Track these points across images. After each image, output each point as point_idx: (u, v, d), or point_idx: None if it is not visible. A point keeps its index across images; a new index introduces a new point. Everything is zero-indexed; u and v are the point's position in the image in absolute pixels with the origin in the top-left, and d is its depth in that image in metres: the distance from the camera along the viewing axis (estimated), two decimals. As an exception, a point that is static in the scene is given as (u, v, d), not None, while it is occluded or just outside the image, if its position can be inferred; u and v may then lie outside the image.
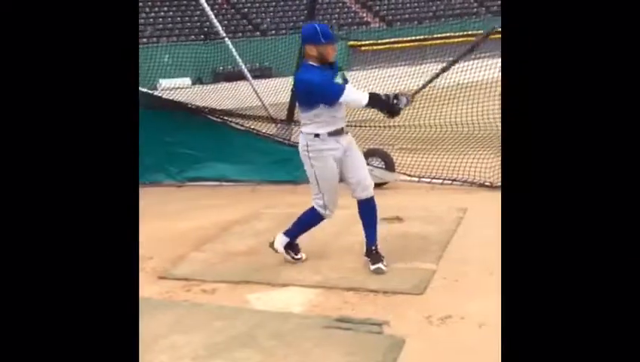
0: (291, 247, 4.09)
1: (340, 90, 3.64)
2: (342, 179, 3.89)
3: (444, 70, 4.09)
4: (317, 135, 3.74)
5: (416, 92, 4.08)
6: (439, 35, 20.57)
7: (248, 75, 7.03)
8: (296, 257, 4.07)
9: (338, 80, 3.73)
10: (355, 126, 6.80)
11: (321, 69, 3.67)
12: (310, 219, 4.00)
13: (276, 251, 4.07)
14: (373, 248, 3.85)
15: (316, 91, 3.65)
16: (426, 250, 4.11)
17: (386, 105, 3.77)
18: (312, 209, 3.95)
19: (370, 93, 3.71)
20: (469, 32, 19.29)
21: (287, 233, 4.07)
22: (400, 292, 3.47)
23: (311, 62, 3.70)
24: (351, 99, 3.68)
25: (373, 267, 3.79)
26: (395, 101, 3.74)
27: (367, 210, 3.87)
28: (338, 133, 3.77)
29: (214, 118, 6.73)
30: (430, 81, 4.07)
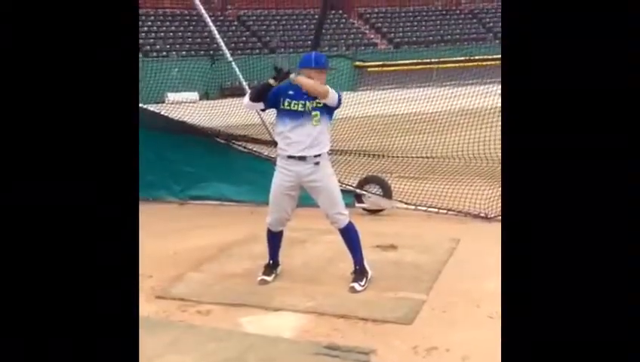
0: (267, 266, 4.30)
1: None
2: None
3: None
4: (279, 154, 4.11)
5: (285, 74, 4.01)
6: (446, 60, 20.78)
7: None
8: (261, 276, 4.26)
9: (307, 104, 3.93)
10: (355, 154, 6.96)
11: (297, 88, 3.93)
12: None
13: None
14: (357, 267, 4.11)
15: None
16: (417, 279, 4.22)
17: (265, 87, 3.96)
18: None
19: (250, 91, 4.12)
20: (477, 57, 19.53)
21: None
22: (389, 321, 3.58)
23: None
24: (244, 104, 4.13)
25: (350, 284, 4.04)
26: (271, 81, 3.91)
27: (344, 238, 4.15)
28: (298, 158, 3.99)
29: (219, 140, 6.87)
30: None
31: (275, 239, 4.29)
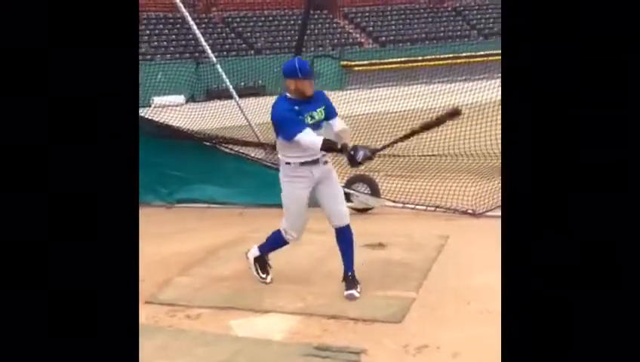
0: (260, 263, 4.27)
1: (294, 131, 3.69)
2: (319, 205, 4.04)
3: (411, 135, 4.01)
4: (288, 163, 3.89)
5: (381, 149, 3.90)
6: (432, 57, 20.85)
7: (235, 95, 7.11)
8: (261, 276, 4.25)
9: (314, 115, 3.82)
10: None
11: (295, 102, 3.79)
12: (275, 239, 4.20)
13: (247, 259, 4.32)
14: (350, 274, 3.99)
15: (276, 124, 3.82)
16: (406, 277, 4.21)
17: (342, 153, 3.77)
18: (278, 230, 4.14)
19: (324, 140, 3.73)
20: (462, 55, 19.62)
21: (260, 246, 4.30)
22: (379, 321, 3.57)
23: (288, 94, 3.85)
24: (304, 143, 3.71)
25: (346, 293, 3.92)
26: (352, 152, 3.70)
27: (342, 239, 4.03)
28: (311, 163, 3.86)
29: (205, 143, 6.82)
30: (394, 142, 3.98)
31: (280, 245, 4.22)
